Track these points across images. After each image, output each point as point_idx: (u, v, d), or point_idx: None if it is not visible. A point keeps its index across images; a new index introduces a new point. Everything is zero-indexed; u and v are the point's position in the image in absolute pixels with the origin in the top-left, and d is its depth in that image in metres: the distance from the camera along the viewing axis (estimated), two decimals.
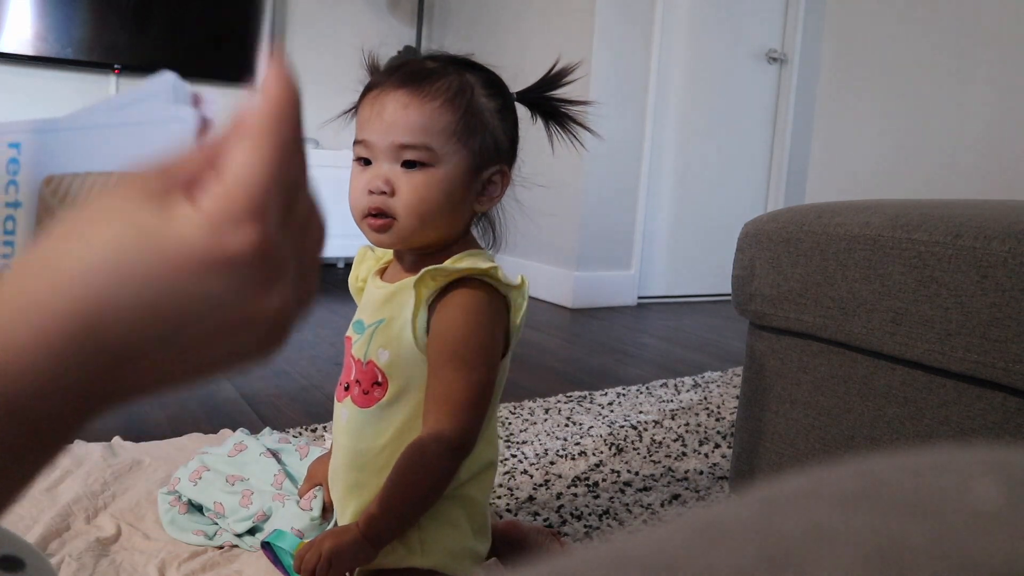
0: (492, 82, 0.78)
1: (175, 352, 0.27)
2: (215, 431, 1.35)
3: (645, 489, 1.25)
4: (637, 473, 1.31)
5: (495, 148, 0.76)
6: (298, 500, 0.95)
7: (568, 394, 1.73)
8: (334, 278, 3.37)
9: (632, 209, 3.06)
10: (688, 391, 1.84)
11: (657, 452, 1.42)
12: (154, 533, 1.00)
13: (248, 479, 1.02)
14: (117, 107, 0.40)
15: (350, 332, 0.83)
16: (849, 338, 0.91)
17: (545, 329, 2.46)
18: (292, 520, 0.92)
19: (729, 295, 1.10)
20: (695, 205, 3.32)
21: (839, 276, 0.91)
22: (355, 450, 0.80)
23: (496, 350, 0.76)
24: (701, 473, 1.33)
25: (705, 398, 1.79)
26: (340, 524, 0.84)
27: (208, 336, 0.27)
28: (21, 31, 2.95)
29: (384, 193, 0.73)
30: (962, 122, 2.82)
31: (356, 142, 0.75)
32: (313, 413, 1.54)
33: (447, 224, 0.76)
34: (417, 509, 0.77)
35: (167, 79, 0.37)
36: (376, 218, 0.74)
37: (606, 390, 1.79)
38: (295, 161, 0.28)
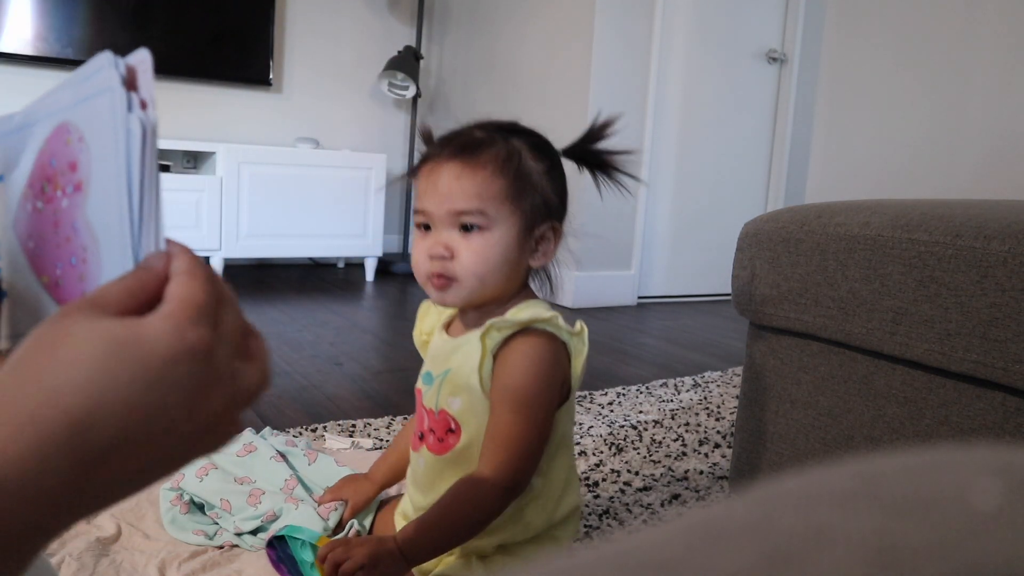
0: (538, 145, 0.83)
1: (147, 449, 0.31)
2: None
3: (645, 489, 1.25)
4: (637, 473, 1.31)
5: (545, 206, 0.81)
6: (315, 505, 0.95)
7: None
8: (334, 278, 3.37)
9: (632, 209, 3.06)
10: (688, 391, 1.84)
11: (657, 452, 1.42)
12: (154, 533, 1.00)
13: (256, 481, 1.02)
14: (65, 87, 0.41)
15: (420, 384, 0.86)
16: (849, 338, 0.91)
17: None
18: (306, 522, 0.92)
19: (729, 295, 1.10)
20: (695, 205, 3.32)
21: (839, 276, 0.91)
22: (436, 496, 0.82)
23: (554, 397, 0.79)
24: (701, 473, 1.33)
25: (705, 398, 1.79)
26: None
27: (173, 428, 0.32)
28: (21, 31, 2.95)
29: (444, 257, 0.77)
30: (963, 122, 2.82)
31: (416, 211, 0.80)
32: (313, 413, 1.54)
33: (505, 281, 0.80)
34: (457, 540, 0.79)
35: (100, 57, 0.38)
36: (439, 279, 0.78)
37: (606, 390, 1.79)
38: (217, 290, 0.35)
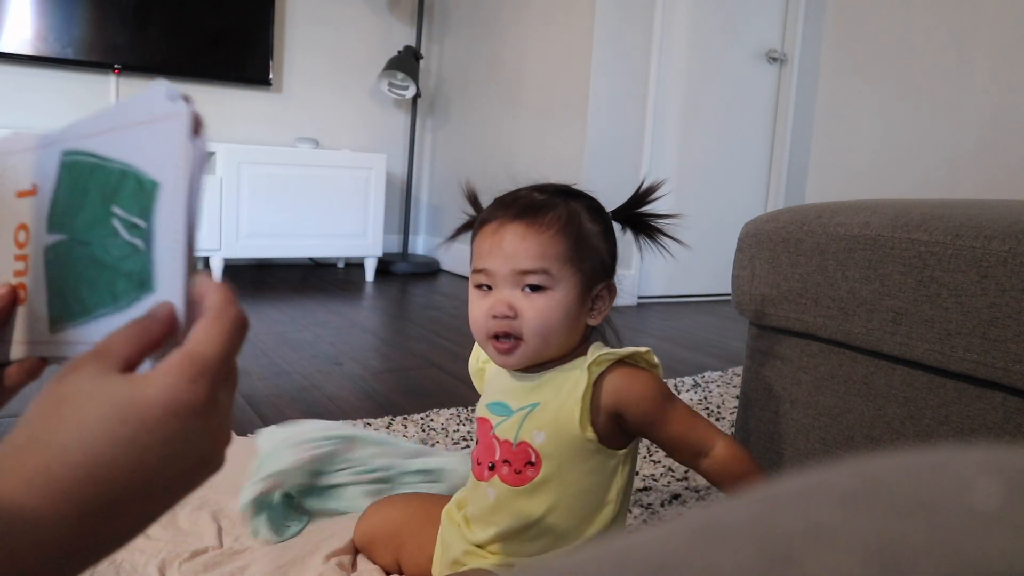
0: (594, 207, 0.85)
1: (154, 496, 0.35)
2: None
3: (645, 489, 1.25)
4: (637, 473, 1.31)
5: (602, 267, 0.83)
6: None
7: None
8: (334, 278, 3.37)
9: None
10: (688, 391, 1.84)
11: (657, 452, 1.42)
12: (154, 533, 1.00)
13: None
14: (115, 112, 0.41)
15: (484, 414, 0.87)
16: (849, 338, 0.91)
17: None
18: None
19: (729, 295, 1.10)
20: (695, 205, 3.32)
21: (839, 276, 0.91)
22: (505, 526, 0.84)
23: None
24: None
25: (705, 398, 1.79)
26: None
27: (172, 479, 0.35)
28: (21, 31, 2.95)
29: (508, 316, 0.79)
30: (962, 122, 2.82)
31: (476, 271, 0.82)
32: (313, 413, 1.54)
33: (566, 340, 0.82)
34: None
35: (160, 85, 0.39)
36: (502, 341, 0.80)
37: None
38: (241, 336, 0.37)
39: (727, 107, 3.32)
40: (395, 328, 2.51)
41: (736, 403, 1.52)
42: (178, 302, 0.38)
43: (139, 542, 0.98)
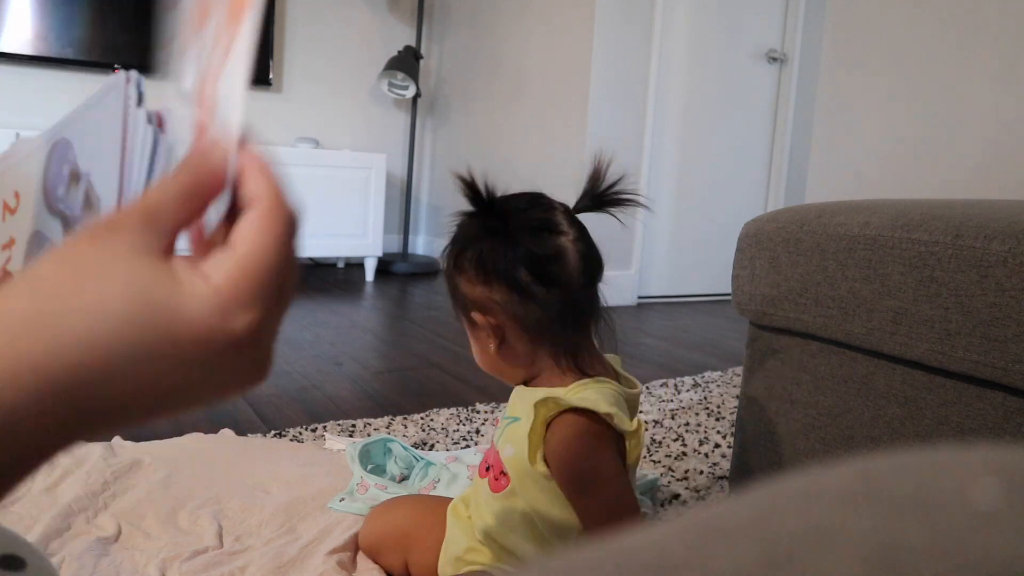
0: (531, 256, 0.81)
1: (155, 410, 0.28)
2: (215, 431, 1.35)
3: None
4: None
5: (462, 308, 0.84)
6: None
7: None
8: (334, 278, 3.37)
9: (632, 209, 3.06)
10: (688, 391, 1.84)
11: (657, 452, 1.42)
12: (154, 532, 1.00)
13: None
14: (83, 103, 0.41)
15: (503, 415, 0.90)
16: (849, 338, 0.91)
17: None
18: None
19: (729, 295, 1.10)
20: (695, 205, 3.32)
21: (839, 276, 0.91)
22: (485, 524, 0.84)
23: (617, 462, 0.79)
24: (701, 473, 1.33)
25: (705, 398, 1.79)
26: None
27: (196, 396, 0.29)
28: (21, 31, 2.95)
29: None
30: (962, 122, 2.82)
31: None
32: (313, 413, 1.54)
33: (509, 370, 0.85)
34: None
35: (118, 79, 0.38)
36: None
37: None
38: (295, 239, 0.30)
39: (727, 107, 3.32)
40: (395, 328, 2.51)
41: (736, 403, 1.52)
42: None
43: (139, 542, 0.98)
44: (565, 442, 0.77)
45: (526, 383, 0.86)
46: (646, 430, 1.52)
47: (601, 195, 0.88)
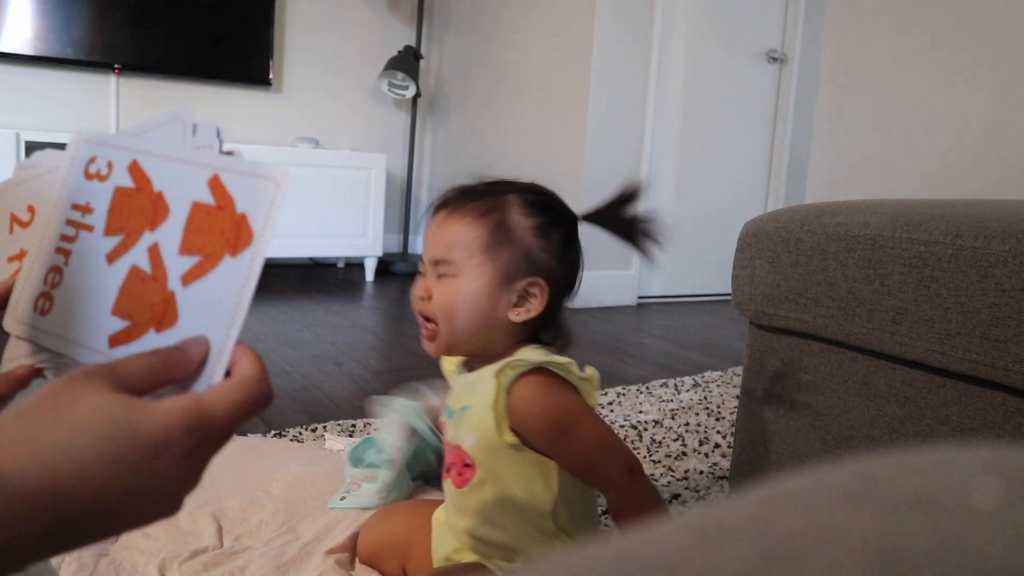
0: (536, 202, 0.83)
1: (119, 518, 0.35)
2: None
3: None
4: None
5: (527, 261, 0.81)
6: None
7: None
8: (334, 278, 3.37)
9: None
10: (688, 391, 1.84)
11: (657, 452, 1.42)
12: (154, 532, 1.00)
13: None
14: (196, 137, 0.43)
15: (444, 416, 0.88)
16: (849, 338, 0.91)
17: None
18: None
19: (729, 295, 1.10)
20: (695, 205, 3.32)
21: (839, 276, 0.91)
22: (464, 526, 0.84)
23: (585, 402, 0.80)
24: (701, 473, 1.33)
25: (705, 398, 1.79)
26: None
27: (136, 507, 0.35)
28: (21, 31, 2.95)
29: (423, 299, 0.82)
30: (962, 122, 2.82)
31: (419, 260, 0.86)
32: (313, 413, 1.54)
33: (484, 329, 0.81)
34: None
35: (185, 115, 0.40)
36: (428, 325, 0.82)
37: (606, 390, 1.79)
38: (258, 412, 0.38)
39: (727, 107, 3.32)
40: (395, 328, 2.51)
41: (736, 403, 1.52)
42: (221, 346, 0.39)
43: (139, 542, 0.98)
44: (532, 398, 0.77)
45: (469, 367, 0.85)
46: (646, 430, 1.52)
47: (624, 222, 0.87)
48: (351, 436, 1.41)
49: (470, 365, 0.87)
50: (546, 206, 0.84)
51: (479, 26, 3.61)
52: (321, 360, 1.96)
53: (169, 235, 0.41)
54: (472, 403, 0.81)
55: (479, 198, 0.82)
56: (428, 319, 0.82)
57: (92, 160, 0.44)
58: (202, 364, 0.38)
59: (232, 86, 3.46)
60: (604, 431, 0.80)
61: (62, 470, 0.32)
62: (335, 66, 3.73)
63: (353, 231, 3.30)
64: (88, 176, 0.44)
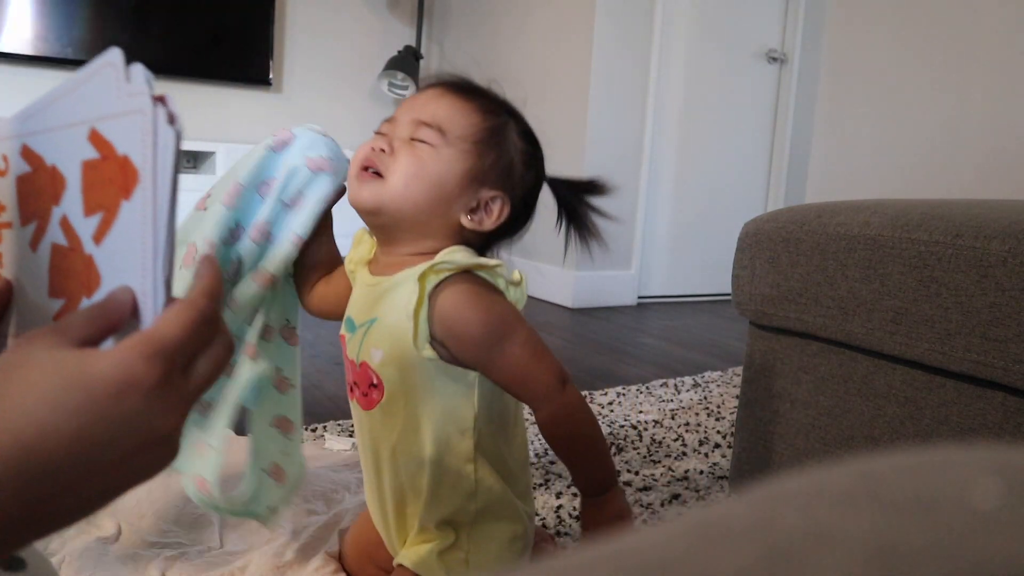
0: (530, 133, 0.82)
1: (98, 475, 0.34)
2: None
3: (645, 489, 1.25)
4: (637, 473, 1.31)
5: (505, 173, 0.78)
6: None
7: None
8: None
9: (632, 209, 3.06)
10: (688, 391, 1.84)
11: (657, 452, 1.42)
12: (154, 532, 1.00)
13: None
14: (73, 99, 0.42)
15: (343, 330, 0.81)
16: (849, 338, 0.91)
17: (545, 329, 2.46)
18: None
19: (729, 295, 1.10)
20: (695, 205, 3.32)
21: (839, 276, 0.91)
22: (373, 449, 0.79)
23: (516, 309, 0.75)
24: (701, 473, 1.33)
25: (705, 398, 1.79)
26: (393, 524, 0.82)
27: (120, 458, 0.34)
28: (21, 31, 2.95)
29: (384, 152, 0.75)
30: (963, 122, 2.82)
31: (384, 121, 0.78)
32: (313, 413, 1.54)
33: (428, 215, 0.75)
34: (599, 446, 0.76)
35: (111, 63, 0.39)
36: (368, 171, 0.75)
37: (606, 390, 1.79)
38: (207, 329, 0.37)
39: (727, 107, 3.32)
40: None
41: (736, 403, 1.52)
42: (144, 288, 0.37)
43: (139, 542, 0.98)
44: (462, 305, 0.71)
45: (376, 273, 0.78)
46: (646, 430, 1.52)
47: (575, 201, 0.85)
48: (351, 436, 1.41)
49: (377, 268, 0.79)
50: (537, 146, 0.83)
51: (479, 26, 3.61)
52: (321, 360, 1.96)
53: (72, 202, 0.40)
54: (379, 314, 0.75)
55: (486, 99, 0.80)
56: (377, 173, 0.74)
57: None
58: (135, 308, 0.37)
59: (232, 86, 3.46)
60: (537, 341, 0.74)
61: (24, 431, 0.31)
62: (335, 66, 3.73)
63: (353, 231, 3.30)
64: None
